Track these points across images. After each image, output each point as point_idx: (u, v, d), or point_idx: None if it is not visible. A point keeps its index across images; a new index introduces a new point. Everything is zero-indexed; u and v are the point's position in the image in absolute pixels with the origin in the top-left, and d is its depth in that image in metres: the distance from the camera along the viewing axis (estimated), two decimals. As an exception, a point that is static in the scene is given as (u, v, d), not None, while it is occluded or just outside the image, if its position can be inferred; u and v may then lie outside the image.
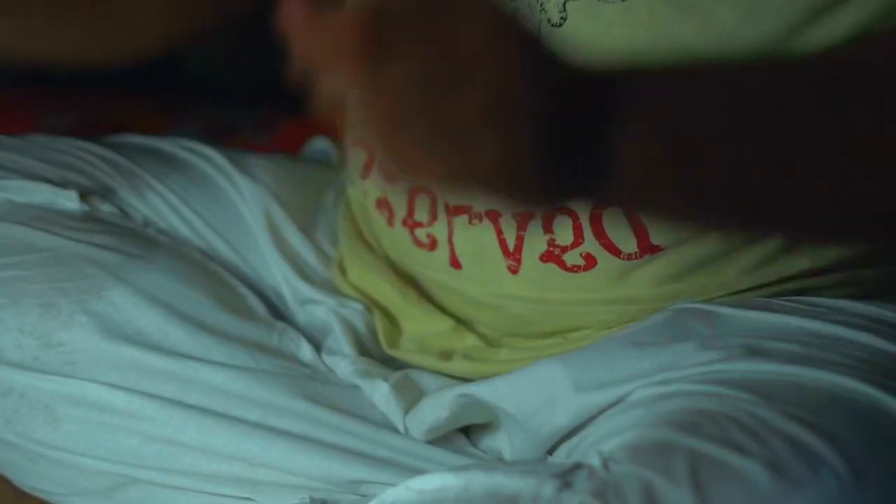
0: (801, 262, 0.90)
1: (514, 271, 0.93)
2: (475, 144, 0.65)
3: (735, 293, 0.90)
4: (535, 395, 0.86)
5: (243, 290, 1.03)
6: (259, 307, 1.02)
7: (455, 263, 0.95)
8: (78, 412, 0.94)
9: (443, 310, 1.00)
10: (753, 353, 0.81)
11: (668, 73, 0.74)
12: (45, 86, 1.77)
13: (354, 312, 1.02)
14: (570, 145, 0.68)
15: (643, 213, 0.83)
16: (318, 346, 1.00)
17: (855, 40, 0.84)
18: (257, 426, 0.94)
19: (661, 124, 0.71)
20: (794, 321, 0.85)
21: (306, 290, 1.04)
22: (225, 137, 1.53)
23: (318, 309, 1.03)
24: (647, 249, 0.90)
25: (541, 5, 0.88)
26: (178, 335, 0.97)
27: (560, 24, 0.88)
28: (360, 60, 0.63)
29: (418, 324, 1.00)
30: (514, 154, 0.66)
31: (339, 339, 1.00)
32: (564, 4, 0.87)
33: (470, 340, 0.98)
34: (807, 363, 0.80)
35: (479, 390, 0.90)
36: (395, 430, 0.95)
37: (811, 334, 0.84)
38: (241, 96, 1.78)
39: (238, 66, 1.79)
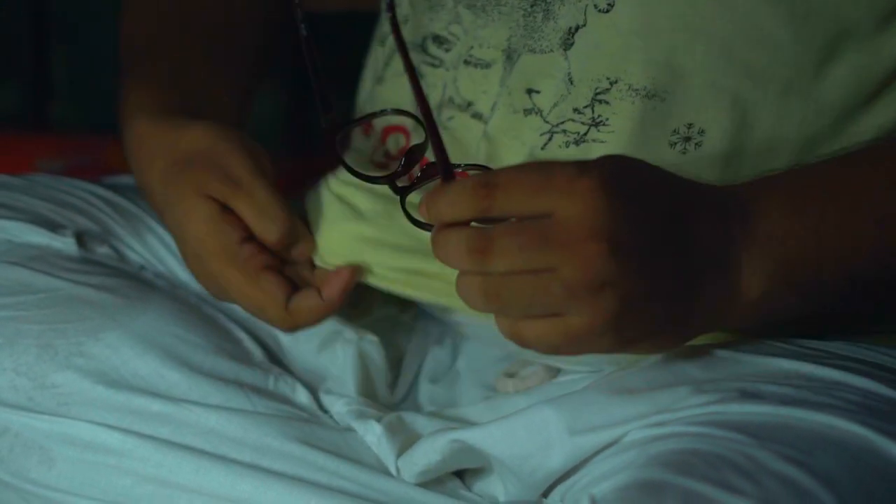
0: None
1: None
2: (573, 313, 0.76)
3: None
4: (528, 439, 0.86)
5: (240, 334, 1.03)
6: (255, 351, 1.02)
7: None
8: (72, 452, 0.94)
9: None
10: (747, 395, 0.81)
11: (781, 189, 0.84)
12: (41, 130, 1.79)
13: (372, 346, 1.02)
14: (679, 290, 0.80)
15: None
16: (313, 391, 1.01)
17: None
18: (252, 468, 0.93)
19: (783, 254, 0.82)
20: (789, 364, 0.86)
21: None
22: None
23: (334, 340, 1.03)
24: None
25: None
26: (173, 378, 0.97)
27: (607, 10, 0.91)
28: (468, 251, 0.76)
29: None
30: (605, 324, 0.77)
31: (345, 374, 1.00)
32: None
33: None
34: (800, 405, 0.80)
35: (471, 436, 0.90)
36: (390, 474, 0.94)
37: (805, 377, 0.84)
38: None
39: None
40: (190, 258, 0.98)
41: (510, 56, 0.95)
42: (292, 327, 0.97)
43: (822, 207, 0.83)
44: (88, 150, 1.59)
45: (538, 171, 0.77)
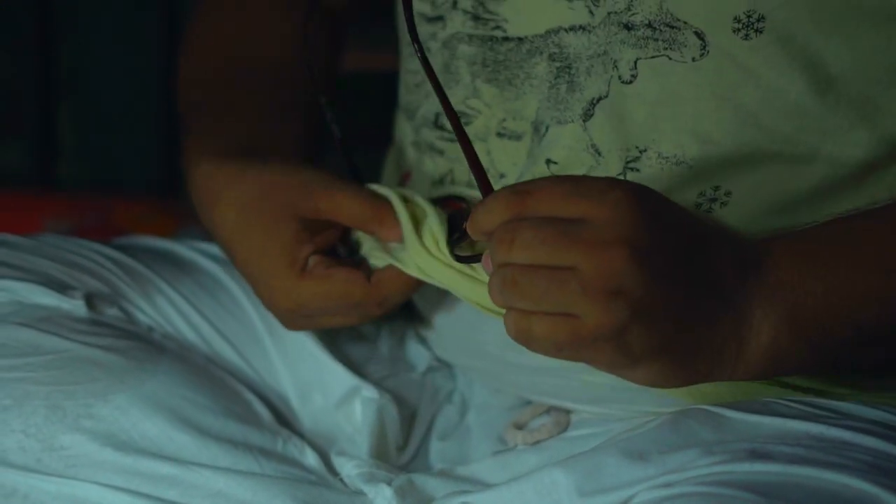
0: None
1: None
2: (585, 314, 0.78)
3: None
4: (538, 502, 0.86)
5: (249, 396, 1.03)
6: (264, 413, 1.02)
7: None
8: (80, 515, 0.94)
9: None
10: (756, 455, 0.82)
11: (793, 242, 0.85)
12: (49, 190, 1.79)
13: (389, 405, 1.02)
14: (688, 324, 0.81)
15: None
16: (322, 454, 1.01)
17: None
18: (260, 530, 0.94)
19: (793, 303, 0.83)
20: (799, 425, 0.86)
21: (347, 376, 1.04)
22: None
23: (352, 397, 1.03)
24: None
25: (614, 63, 0.92)
26: (182, 440, 0.97)
27: (630, 81, 0.91)
28: (495, 243, 0.80)
29: None
30: (614, 329, 0.78)
31: (360, 433, 1.01)
32: (636, 62, 0.91)
33: None
34: (810, 464, 0.80)
35: (481, 499, 0.90)
36: (399, 537, 0.95)
37: (815, 438, 0.84)
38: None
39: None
40: (261, 287, 1.01)
41: (537, 128, 0.96)
42: (382, 301, 0.98)
43: (831, 258, 0.84)
44: (97, 210, 1.60)
45: (570, 181, 0.80)
